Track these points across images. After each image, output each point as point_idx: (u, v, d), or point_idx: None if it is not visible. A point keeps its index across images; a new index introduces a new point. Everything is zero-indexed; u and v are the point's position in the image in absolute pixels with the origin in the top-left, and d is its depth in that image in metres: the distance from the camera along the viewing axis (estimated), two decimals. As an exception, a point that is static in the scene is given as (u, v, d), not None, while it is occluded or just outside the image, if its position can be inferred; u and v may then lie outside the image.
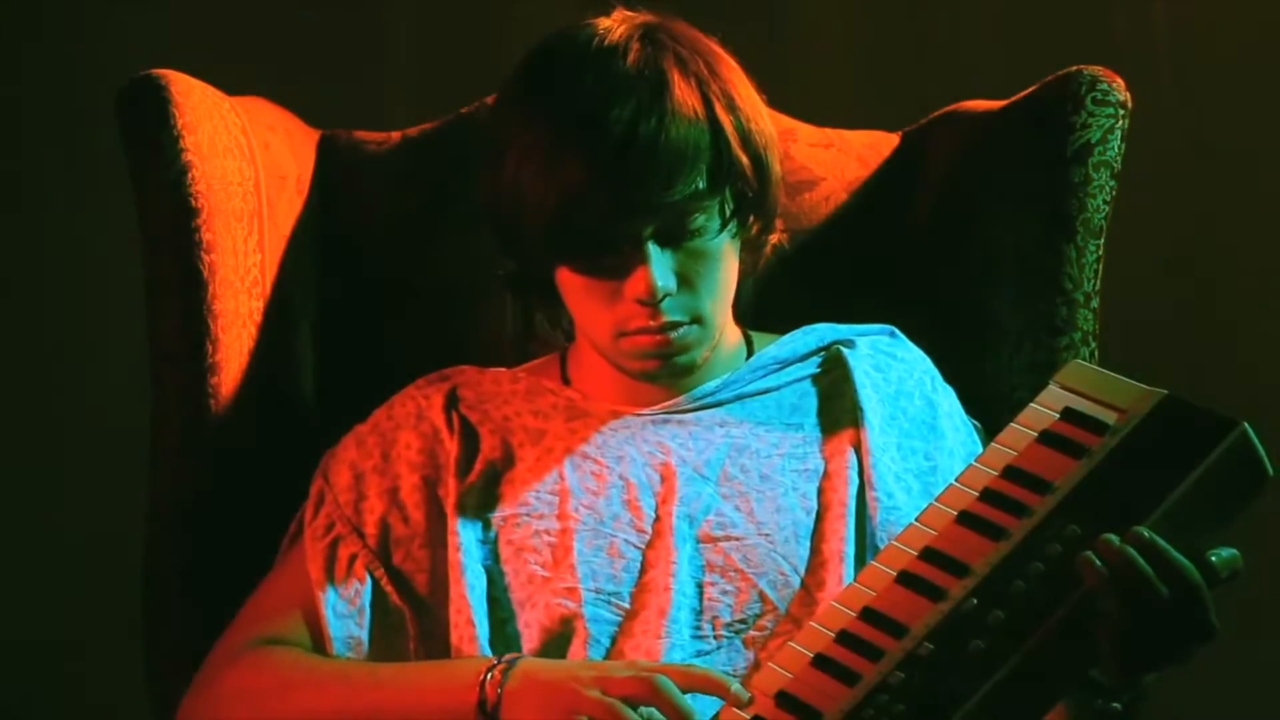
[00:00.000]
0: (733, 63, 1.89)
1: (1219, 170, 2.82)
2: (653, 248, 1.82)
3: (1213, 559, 1.60)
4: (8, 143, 2.84)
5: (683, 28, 1.88)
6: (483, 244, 2.17)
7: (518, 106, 1.86)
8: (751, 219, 1.89)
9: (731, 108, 1.85)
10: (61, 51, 2.81)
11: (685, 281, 1.84)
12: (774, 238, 1.96)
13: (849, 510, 1.85)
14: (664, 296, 1.82)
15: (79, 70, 2.80)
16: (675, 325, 1.84)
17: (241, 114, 2.08)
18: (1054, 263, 2.05)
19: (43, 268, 2.85)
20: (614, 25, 1.86)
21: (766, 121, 1.89)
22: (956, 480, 1.72)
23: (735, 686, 1.67)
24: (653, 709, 1.67)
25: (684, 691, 1.68)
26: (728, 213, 1.85)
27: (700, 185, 1.81)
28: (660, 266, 1.82)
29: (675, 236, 1.83)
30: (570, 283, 1.86)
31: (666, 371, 1.88)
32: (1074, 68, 2.05)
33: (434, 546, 1.88)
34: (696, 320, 1.85)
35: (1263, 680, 2.82)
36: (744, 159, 1.85)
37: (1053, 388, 1.73)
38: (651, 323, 1.84)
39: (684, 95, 1.82)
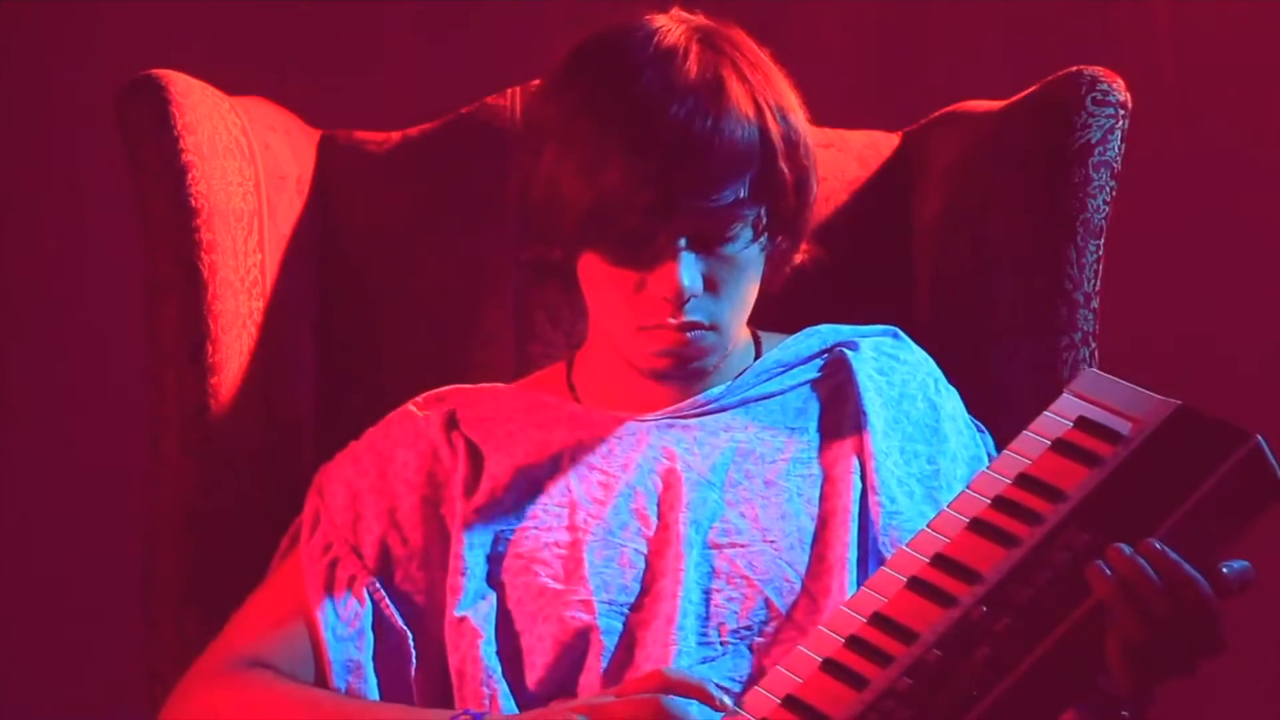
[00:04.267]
0: (782, 76, 1.88)
1: (1219, 170, 2.82)
2: (685, 249, 1.81)
3: (1224, 570, 1.59)
4: (7, 142, 2.83)
5: (740, 35, 1.87)
6: (482, 244, 2.17)
7: (567, 96, 1.83)
8: (781, 237, 1.88)
9: (783, 120, 1.84)
10: (61, 52, 2.81)
11: (710, 286, 1.83)
12: (799, 257, 1.96)
13: (852, 516, 1.83)
14: (689, 298, 1.82)
15: (79, 70, 2.80)
16: (694, 326, 1.84)
17: (241, 114, 2.08)
18: (1054, 263, 2.04)
19: (42, 268, 2.85)
20: (672, 26, 1.84)
21: (810, 139, 1.88)
22: (968, 487, 1.71)
23: (712, 688, 1.66)
24: None
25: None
26: (763, 224, 1.84)
27: (743, 194, 1.81)
28: (689, 268, 1.81)
29: (709, 242, 1.82)
30: (595, 271, 1.85)
31: (679, 373, 1.88)
32: (1074, 68, 2.05)
33: (432, 568, 1.86)
34: (714, 327, 1.85)
35: (1263, 680, 2.82)
36: (788, 173, 1.84)
37: (1067, 396, 1.72)
38: (672, 320, 1.83)
39: (739, 103, 1.81)
